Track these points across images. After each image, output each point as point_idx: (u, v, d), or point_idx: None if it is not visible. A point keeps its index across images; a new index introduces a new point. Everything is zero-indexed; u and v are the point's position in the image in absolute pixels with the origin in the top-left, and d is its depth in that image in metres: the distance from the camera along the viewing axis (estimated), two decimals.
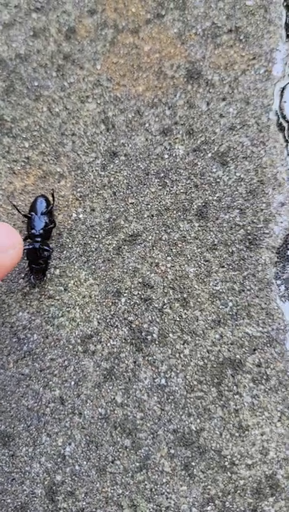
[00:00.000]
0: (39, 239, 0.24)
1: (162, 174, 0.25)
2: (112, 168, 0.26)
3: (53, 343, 0.24)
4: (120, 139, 0.26)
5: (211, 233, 0.24)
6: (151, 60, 0.27)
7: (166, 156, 0.26)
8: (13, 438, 0.23)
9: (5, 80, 0.28)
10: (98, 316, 0.24)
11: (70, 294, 0.24)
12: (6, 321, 0.24)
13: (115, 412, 0.23)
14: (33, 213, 0.24)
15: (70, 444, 0.23)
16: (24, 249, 0.23)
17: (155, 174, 0.25)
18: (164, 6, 0.28)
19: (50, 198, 0.25)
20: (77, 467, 0.23)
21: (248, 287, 0.24)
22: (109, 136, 0.26)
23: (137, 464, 0.22)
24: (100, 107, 0.27)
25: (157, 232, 0.25)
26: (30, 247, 0.23)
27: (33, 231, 0.24)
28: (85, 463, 0.23)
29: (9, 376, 0.24)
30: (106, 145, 0.26)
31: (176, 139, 0.26)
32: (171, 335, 0.23)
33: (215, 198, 0.25)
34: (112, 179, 0.26)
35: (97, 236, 0.25)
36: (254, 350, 0.23)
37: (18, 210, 0.24)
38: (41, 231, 0.24)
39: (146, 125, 0.26)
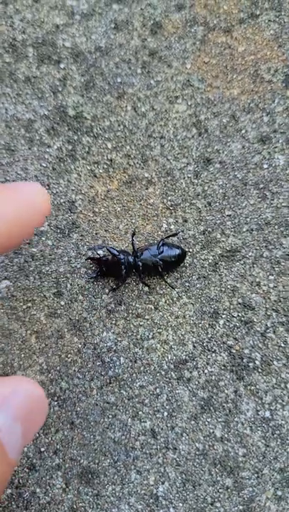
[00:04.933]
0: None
1: (262, 185, 0.29)
2: (206, 176, 0.29)
3: (142, 368, 0.26)
4: (214, 144, 0.30)
5: None
6: (246, 61, 0.31)
7: (265, 166, 0.29)
8: (98, 475, 0.25)
9: (84, 74, 0.31)
10: (194, 339, 0.27)
11: (161, 313, 0.27)
12: (88, 342, 0.27)
13: (214, 447, 0.25)
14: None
15: (163, 483, 0.25)
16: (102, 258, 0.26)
17: (254, 185, 0.29)
18: (258, 6, 0.32)
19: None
20: (171, 510, 0.25)
21: None
22: (202, 142, 0.30)
23: (240, 507, 0.25)
24: (191, 109, 0.30)
25: (258, 248, 0.28)
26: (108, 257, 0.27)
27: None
28: (180, 505, 0.25)
29: (92, 404, 0.26)
30: (199, 151, 0.29)
31: (276, 147, 0.29)
32: (275, 362, 0.26)
33: None
34: (206, 188, 0.29)
35: (190, 250, 0.28)
36: None
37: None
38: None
39: (243, 131, 0.30)
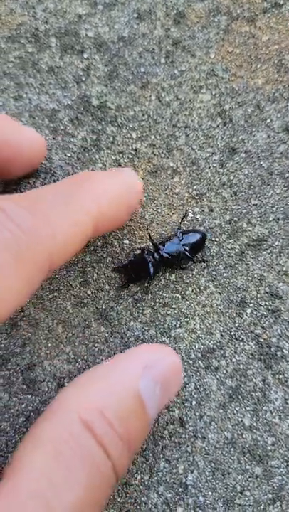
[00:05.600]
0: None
1: (287, 175, 0.29)
2: (231, 166, 0.29)
3: None
4: (239, 134, 0.30)
5: None
6: (270, 51, 0.31)
7: None
8: None
9: (107, 64, 0.31)
10: (221, 328, 0.27)
11: (188, 302, 0.27)
12: (115, 331, 0.27)
13: (243, 436, 0.25)
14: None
15: (192, 471, 0.25)
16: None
17: (279, 174, 0.29)
18: None
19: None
20: (201, 498, 0.25)
21: None
22: (227, 131, 0.30)
23: (270, 496, 0.25)
24: (216, 99, 0.30)
25: (284, 237, 0.28)
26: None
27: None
28: (210, 493, 0.25)
29: None
30: (224, 140, 0.29)
31: None
32: None
33: None
34: (231, 177, 0.29)
35: (217, 239, 0.28)
36: None
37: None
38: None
39: (268, 121, 0.30)
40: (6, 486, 0.16)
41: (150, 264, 0.26)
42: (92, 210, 0.21)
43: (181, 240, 0.27)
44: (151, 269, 0.26)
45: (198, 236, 0.27)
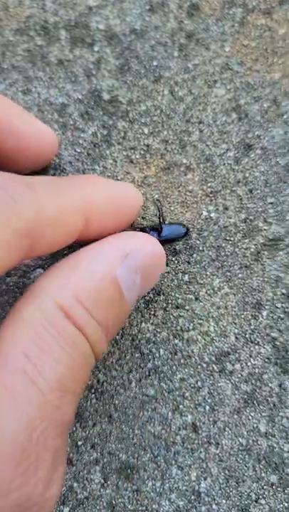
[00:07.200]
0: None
1: None
2: (246, 163, 0.28)
3: (182, 361, 0.26)
4: (255, 130, 0.29)
5: None
6: (286, 44, 0.30)
7: None
8: (138, 470, 0.25)
9: (118, 58, 0.30)
10: (236, 331, 0.26)
11: (202, 303, 0.26)
12: (126, 333, 0.26)
13: (258, 442, 0.25)
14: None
15: (205, 478, 0.24)
16: None
17: None
18: None
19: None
20: (214, 506, 0.24)
21: None
22: (242, 127, 0.29)
23: (286, 504, 0.24)
24: (230, 94, 0.29)
25: None
26: None
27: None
28: (223, 501, 0.24)
29: (131, 397, 0.25)
30: (239, 136, 0.29)
31: None
32: None
33: None
34: (247, 175, 0.28)
35: (232, 239, 0.27)
36: None
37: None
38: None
39: (285, 116, 0.29)
40: None
41: None
42: (80, 203, 0.21)
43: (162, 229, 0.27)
44: None
45: (183, 230, 0.27)
